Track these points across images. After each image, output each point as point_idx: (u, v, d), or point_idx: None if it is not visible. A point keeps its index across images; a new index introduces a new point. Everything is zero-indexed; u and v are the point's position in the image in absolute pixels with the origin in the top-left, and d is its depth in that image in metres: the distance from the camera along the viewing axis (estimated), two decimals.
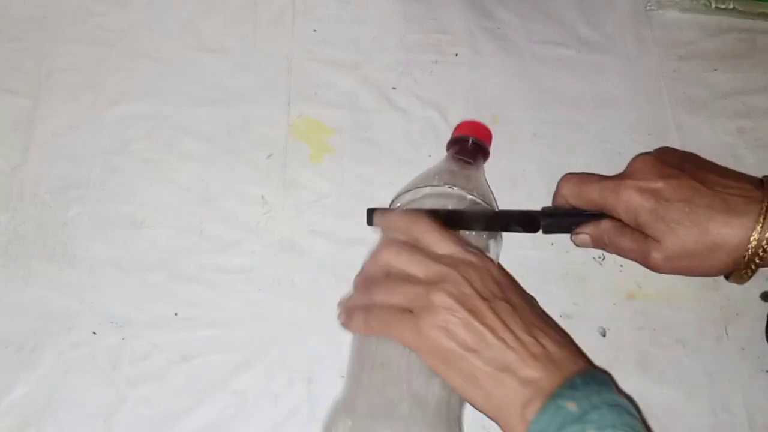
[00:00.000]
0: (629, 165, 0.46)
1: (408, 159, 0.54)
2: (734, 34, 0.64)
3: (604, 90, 0.60)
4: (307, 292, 0.49)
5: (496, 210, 0.49)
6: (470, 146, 0.51)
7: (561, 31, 0.62)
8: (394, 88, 0.58)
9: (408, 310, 0.38)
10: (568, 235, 0.50)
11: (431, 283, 0.38)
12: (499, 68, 0.60)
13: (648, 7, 0.64)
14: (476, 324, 0.37)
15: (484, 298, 0.38)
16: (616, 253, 0.47)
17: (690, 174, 0.43)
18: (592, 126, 0.58)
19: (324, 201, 0.52)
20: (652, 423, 0.47)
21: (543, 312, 0.41)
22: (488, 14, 0.62)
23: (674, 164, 0.45)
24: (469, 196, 0.46)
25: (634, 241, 0.44)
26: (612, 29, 0.63)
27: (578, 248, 0.50)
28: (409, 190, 0.48)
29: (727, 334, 0.50)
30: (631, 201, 0.43)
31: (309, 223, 0.51)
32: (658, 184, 0.43)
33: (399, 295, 0.39)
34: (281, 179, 0.53)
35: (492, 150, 0.54)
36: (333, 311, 0.48)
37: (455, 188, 0.47)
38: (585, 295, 0.51)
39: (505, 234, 0.50)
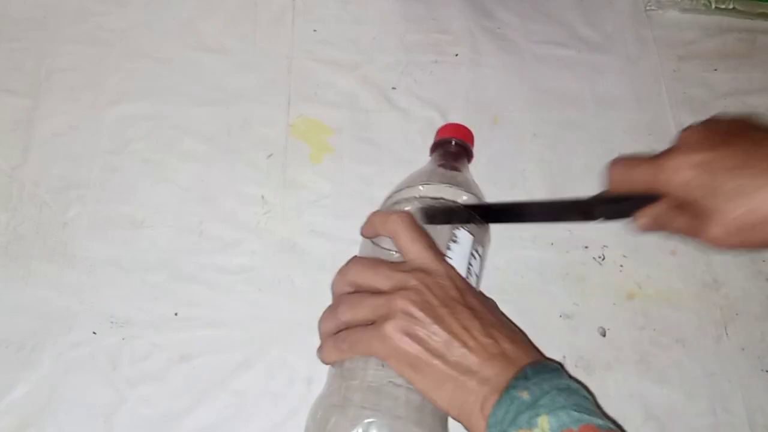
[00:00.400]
0: (677, 139, 0.43)
1: (408, 159, 0.54)
2: (734, 34, 0.64)
3: (604, 90, 0.60)
4: (307, 292, 0.49)
5: (548, 201, 0.48)
6: (454, 148, 0.51)
7: (561, 31, 0.62)
8: (394, 88, 0.58)
9: (373, 323, 0.39)
10: (569, 237, 0.50)
11: (393, 292, 0.39)
12: (499, 68, 0.60)
13: (648, 7, 0.64)
14: (440, 330, 0.38)
15: (445, 305, 0.38)
16: (677, 235, 0.44)
17: (740, 141, 0.40)
18: (592, 126, 0.58)
19: (324, 201, 0.52)
20: (652, 423, 0.47)
21: (498, 311, 0.42)
22: (488, 14, 0.62)
23: (723, 132, 0.41)
24: (465, 196, 0.46)
25: (688, 219, 0.41)
26: (612, 29, 0.63)
27: (578, 248, 0.50)
28: (401, 189, 0.48)
29: (727, 334, 0.50)
30: (681, 177, 0.40)
31: (309, 223, 0.51)
32: (705, 155, 0.39)
33: (363, 309, 0.40)
34: (281, 179, 0.53)
35: (492, 150, 0.54)
36: None
37: (452, 186, 0.47)
38: (585, 295, 0.51)
39: (503, 234, 0.50)
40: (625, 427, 0.47)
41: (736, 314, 0.51)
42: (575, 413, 0.33)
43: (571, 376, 0.38)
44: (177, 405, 0.44)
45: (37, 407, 0.43)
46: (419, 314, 0.38)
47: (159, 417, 0.44)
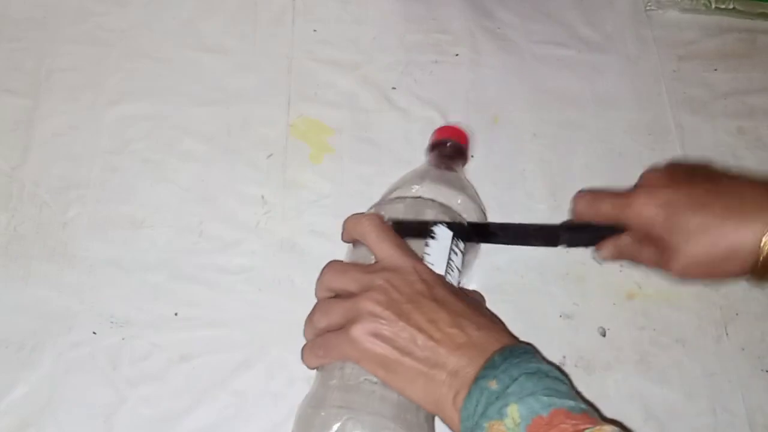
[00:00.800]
0: (640, 178, 0.47)
1: (408, 159, 0.54)
2: (734, 34, 0.64)
3: (604, 90, 0.60)
4: (307, 292, 0.48)
5: (517, 224, 0.49)
6: (449, 150, 0.51)
7: (561, 31, 0.62)
8: (394, 88, 0.58)
9: (342, 326, 0.39)
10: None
11: (360, 294, 0.39)
12: (499, 68, 0.60)
13: (648, 7, 0.64)
14: (406, 326, 0.38)
15: (411, 300, 0.39)
16: (641, 265, 0.47)
17: (700, 182, 0.44)
18: (592, 126, 0.58)
19: (324, 201, 0.52)
20: (652, 423, 0.47)
21: (467, 298, 0.42)
22: (488, 14, 0.62)
23: (684, 173, 0.45)
24: (459, 198, 0.47)
25: (653, 253, 0.45)
26: (612, 29, 0.63)
27: (578, 248, 0.50)
28: (395, 189, 0.48)
29: (727, 334, 0.50)
30: (643, 213, 0.44)
31: (309, 223, 0.51)
32: (669, 194, 0.43)
33: (334, 314, 0.40)
34: (281, 179, 0.53)
35: (492, 150, 0.54)
36: None
37: (446, 187, 0.47)
38: (585, 295, 0.51)
39: None
40: None
41: (736, 314, 0.51)
42: (545, 398, 0.33)
43: (544, 358, 0.38)
44: (177, 405, 0.44)
45: (37, 407, 0.43)
46: (384, 313, 0.38)
47: (159, 417, 0.44)
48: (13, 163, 0.51)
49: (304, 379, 0.45)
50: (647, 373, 0.48)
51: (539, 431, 0.32)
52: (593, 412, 0.34)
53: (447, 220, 0.45)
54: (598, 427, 0.32)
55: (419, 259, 0.42)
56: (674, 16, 0.64)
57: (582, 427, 0.32)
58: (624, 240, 0.46)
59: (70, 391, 0.44)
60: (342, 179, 0.53)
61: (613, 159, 0.57)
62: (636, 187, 0.46)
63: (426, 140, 0.54)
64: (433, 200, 0.46)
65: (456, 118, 0.56)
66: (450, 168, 0.50)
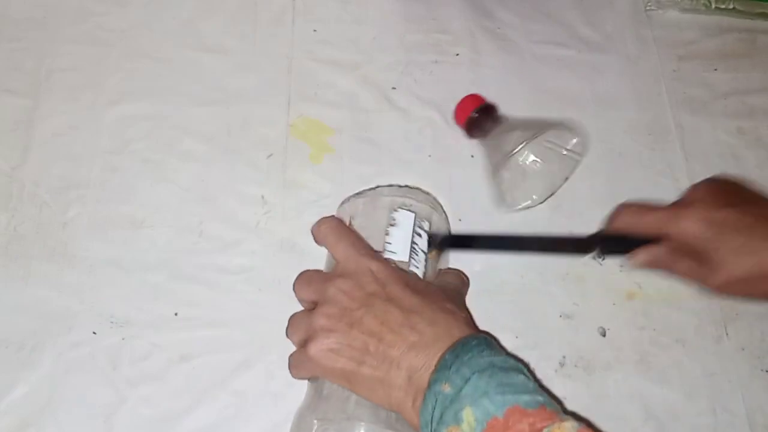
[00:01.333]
0: (687, 194, 0.49)
1: (408, 159, 0.54)
2: (734, 34, 0.64)
3: (604, 90, 0.60)
4: None
5: (554, 236, 0.51)
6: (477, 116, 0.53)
7: (561, 31, 0.62)
8: (394, 88, 0.58)
9: (305, 343, 0.40)
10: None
11: (315, 309, 0.40)
12: (499, 68, 0.60)
13: (648, 7, 0.64)
14: (359, 335, 0.38)
15: (363, 305, 0.39)
16: (671, 276, 0.49)
17: (748, 206, 0.46)
18: (592, 126, 0.58)
19: (324, 201, 0.52)
20: (652, 423, 0.47)
21: (429, 288, 0.41)
22: (488, 14, 0.62)
23: (732, 195, 0.48)
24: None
25: (692, 266, 0.47)
26: (612, 29, 0.63)
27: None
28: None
29: (727, 334, 0.50)
30: (692, 229, 0.45)
31: (309, 223, 0.51)
32: (719, 215, 0.45)
33: (298, 331, 0.41)
34: (281, 179, 0.53)
35: None
36: None
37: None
38: (585, 295, 0.51)
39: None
40: (625, 427, 0.47)
41: (736, 314, 0.51)
42: (498, 397, 0.33)
43: (500, 346, 0.38)
44: (177, 405, 0.44)
45: (37, 407, 0.43)
46: (337, 326, 0.39)
47: (159, 417, 0.44)
48: (13, 163, 0.51)
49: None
50: (647, 373, 0.48)
51: None
52: (552, 403, 0.34)
53: (411, 202, 0.45)
54: (556, 425, 0.31)
55: (375, 256, 0.42)
56: (674, 16, 0.64)
57: (539, 426, 0.32)
58: (660, 250, 0.47)
59: (70, 391, 0.44)
60: (342, 179, 0.53)
61: (613, 159, 0.57)
62: (682, 201, 0.48)
63: (426, 140, 0.54)
64: (390, 185, 0.46)
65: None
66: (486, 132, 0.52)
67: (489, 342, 0.37)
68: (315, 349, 0.39)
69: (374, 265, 0.41)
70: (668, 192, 0.53)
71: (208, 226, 0.50)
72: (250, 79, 0.56)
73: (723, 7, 0.64)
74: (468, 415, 0.33)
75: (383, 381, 0.37)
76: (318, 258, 0.50)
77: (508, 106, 0.58)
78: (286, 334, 0.42)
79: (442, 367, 0.36)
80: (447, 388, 0.34)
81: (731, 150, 0.58)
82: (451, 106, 0.57)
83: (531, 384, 0.35)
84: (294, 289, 0.43)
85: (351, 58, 0.58)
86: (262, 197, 0.52)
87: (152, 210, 0.50)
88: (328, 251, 0.44)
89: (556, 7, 0.64)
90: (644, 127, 0.58)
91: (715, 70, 0.62)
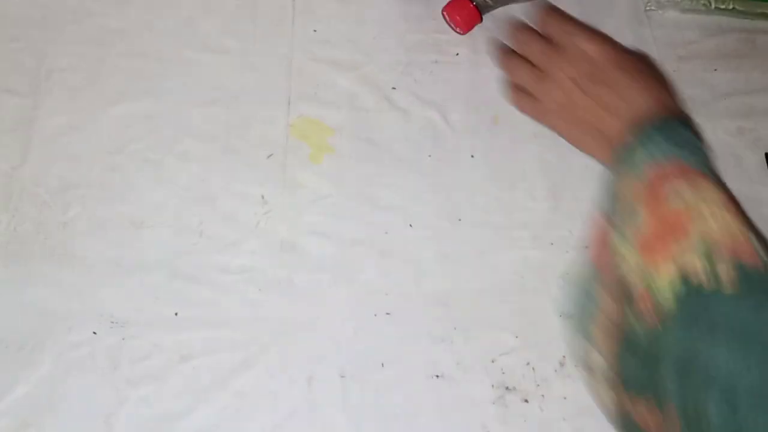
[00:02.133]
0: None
1: (408, 159, 0.54)
2: (734, 34, 0.64)
3: None
4: (307, 292, 0.49)
5: None
6: None
7: None
8: (394, 88, 0.58)
9: None
10: (568, 237, 0.50)
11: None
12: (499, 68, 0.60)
13: (648, 7, 0.64)
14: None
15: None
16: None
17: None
18: None
19: (324, 201, 0.52)
20: None
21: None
22: (488, 14, 0.62)
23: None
24: None
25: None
26: (612, 29, 0.63)
27: (578, 248, 0.50)
28: None
29: None
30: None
31: (309, 223, 0.51)
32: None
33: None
34: (281, 179, 0.53)
35: (492, 150, 0.54)
36: (333, 311, 0.48)
37: None
38: None
39: (504, 233, 0.50)
40: None
41: None
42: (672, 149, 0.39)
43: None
44: (177, 405, 0.44)
45: (37, 407, 0.43)
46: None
47: (159, 417, 0.44)
48: (13, 163, 0.51)
49: (304, 379, 0.46)
50: None
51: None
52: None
53: None
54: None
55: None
56: (674, 16, 0.64)
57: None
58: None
59: (70, 391, 0.44)
60: (342, 179, 0.53)
61: None
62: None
63: (426, 140, 0.54)
64: None
65: (456, 118, 0.56)
66: None
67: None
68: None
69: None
70: None
71: (208, 226, 0.50)
72: (250, 79, 0.56)
73: (723, 7, 0.64)
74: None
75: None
76: (318, 258, 0.50)
77: (508, 106, 0.58)
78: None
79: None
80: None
81: (731, 150, 0.58)
82: (452, 106, 0.57)
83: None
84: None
85: (351, 58, 0.58)
86: (262, 197, 0.52)
87: (152, 210, 0.50)
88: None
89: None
90: None
91: (715, 70, 0.62)
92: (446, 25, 0.61)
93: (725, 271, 0.32)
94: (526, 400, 0.47)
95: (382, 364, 0.47)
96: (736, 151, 0.58)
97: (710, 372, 0.30)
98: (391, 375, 0.46)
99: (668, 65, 0.61)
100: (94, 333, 0.46)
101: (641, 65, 0.47)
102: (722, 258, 0.32)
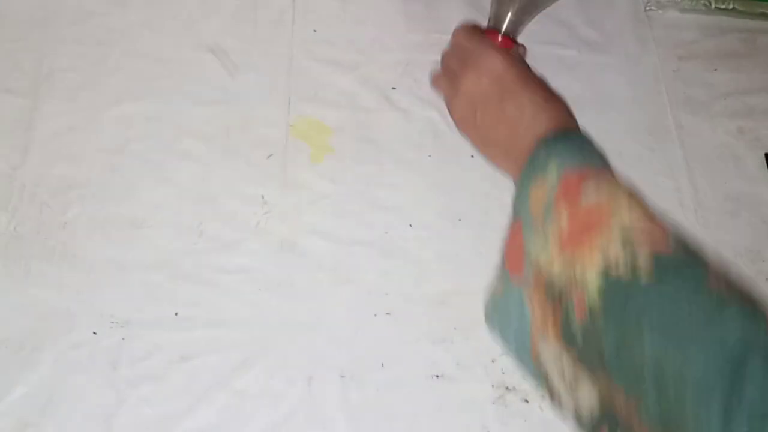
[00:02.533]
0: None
1: (408, 159, 0.54)
2: (734, 34, 0.64)
3: (604, 90, 0.60)
4: (307, 292, 0.48)
5: None
6: None
7: (561, 31, 0.62)
8: (394, 88, 0.58)
9: None
10: None
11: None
12: None
13: (648, 7, 0.64)
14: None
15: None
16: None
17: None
18: (592, 126, 0.57)
19: (324, 201, 0.52)
20: None
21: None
22: (488, 14, 0.62)
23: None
24: None
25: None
26: (612, 29, 0.63)
27: None
28: None
29: None
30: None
31: (309, 223, 0.51)
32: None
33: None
34: (281, 179, 0.53)
35: None
36: (333, 311, 0.48)
37: None
38: None
39: (503, 233, 0.50)
40: None
41: None
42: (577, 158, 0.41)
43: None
44: (177, 405, 0.44)
45: (37, 407, 0.43)
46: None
47: (159, 417, 0.44)
48: (13, 163, 0.51)
49: (304, 379, 0.46)
50: None
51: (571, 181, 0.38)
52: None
53: None
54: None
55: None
56: (674, 16, 0.64)
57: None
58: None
59: (70, 391, 0.44)
60: (342, 179, 0.53)
61: (613, 159, 0.56)
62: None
63: (426, 140, 0.54)
64: None
65: None
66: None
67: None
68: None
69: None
70: (668, 192, 0.53)
71: (208, 226, 0.50)
72: (250, 79, 0.56)
73: (723, 7, 0.64)
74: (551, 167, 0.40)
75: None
76: (318, 258, 0.50)
77: None
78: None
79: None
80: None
81: (731, 150, 0.58)
82: None
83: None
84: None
85: (351, 58, 0.58)
86: (262, 197, 0.52)
87: (152, 210, 0.50)
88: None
89: (556, 7, 0.63)
90: (644, 127, 0.58)
91: (715, 70, 0.62)
92: (446, 25, 0.61)
93: (642, 262, 0.33)
94: (526, 400, 0.47)
95: (382, 364, 0.47)
96: (736, 151, 0.58)
97: (639, 361, 0.31)
98: (391, 375, 0.46)
99: (668, 65, 0.62)
100: (94, 333, 0.46)
101: (541, 81, 0.48)
102: (640, 248, 0.33)
